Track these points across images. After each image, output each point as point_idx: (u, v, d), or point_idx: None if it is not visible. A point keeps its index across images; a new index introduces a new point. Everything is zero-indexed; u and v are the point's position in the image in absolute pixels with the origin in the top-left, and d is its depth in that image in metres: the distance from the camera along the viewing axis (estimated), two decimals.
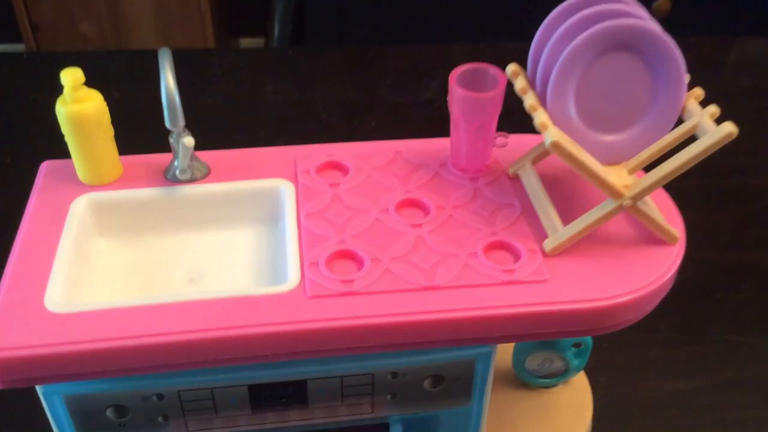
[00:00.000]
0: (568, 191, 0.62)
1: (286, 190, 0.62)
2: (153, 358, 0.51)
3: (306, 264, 0.55)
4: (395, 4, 1.78)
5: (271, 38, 1.83)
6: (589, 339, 0.69)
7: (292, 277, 0.54)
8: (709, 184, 0.98)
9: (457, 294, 0.54)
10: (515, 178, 0.63)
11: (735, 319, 0.82)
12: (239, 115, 1.08)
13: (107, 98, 0.59)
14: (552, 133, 0.52)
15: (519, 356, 0.70)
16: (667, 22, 0.53)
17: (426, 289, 0.54)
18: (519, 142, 0.66)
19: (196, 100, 1.08)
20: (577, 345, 0.70)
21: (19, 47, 2.14)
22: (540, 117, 0.53)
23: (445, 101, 0.60)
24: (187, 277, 0.59)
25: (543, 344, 0.68)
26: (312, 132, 1.06)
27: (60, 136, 0.59)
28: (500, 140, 0.64)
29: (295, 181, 0.63)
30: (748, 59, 1.27)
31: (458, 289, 0.54)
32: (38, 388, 0.53)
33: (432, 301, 0.53)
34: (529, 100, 0.55)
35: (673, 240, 0.57)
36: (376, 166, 0.65)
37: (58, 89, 0.57)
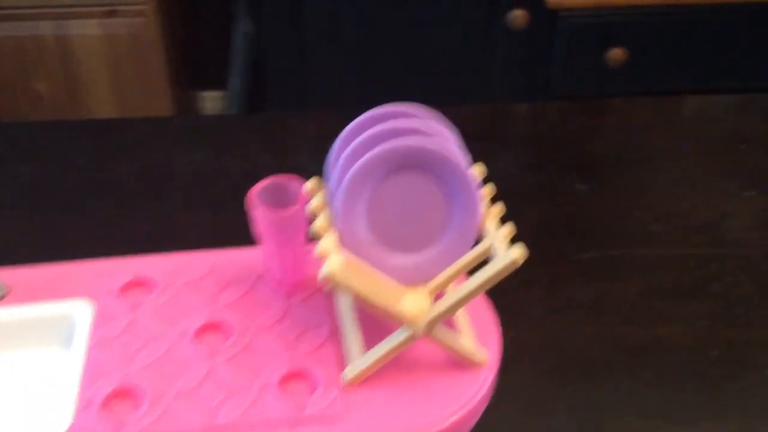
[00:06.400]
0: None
1: (81, 314, 0.58)
2: None
3: (81, 404, 0.51)
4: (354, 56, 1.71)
5: (232, 91, 1.78)
6: None
7: (63, 420, 0.50)
8: (610, 256, 0.93)
9: None
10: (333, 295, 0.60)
11: (637, 402, 0.75)
12: (150, 185, 1.03)
13: None
14: (331, 263, 0.48)
15: None
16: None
17: (204, 431, 0.50)
18: None
19: (107, 170, 1.02)
20: None
21: None
22: (323, 243, 0.50)
23: None
24: None
25: None
26: (225, 202, 1.00)
27: None
28: None
29: (98, 301, 0.59)
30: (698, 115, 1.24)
31: (240, 430, 0.50)
32: None
33: None
34: (318, 222, 0.52)
35: (478, 365, 0.54)
36: (189, 281, 0.61)
37: None
